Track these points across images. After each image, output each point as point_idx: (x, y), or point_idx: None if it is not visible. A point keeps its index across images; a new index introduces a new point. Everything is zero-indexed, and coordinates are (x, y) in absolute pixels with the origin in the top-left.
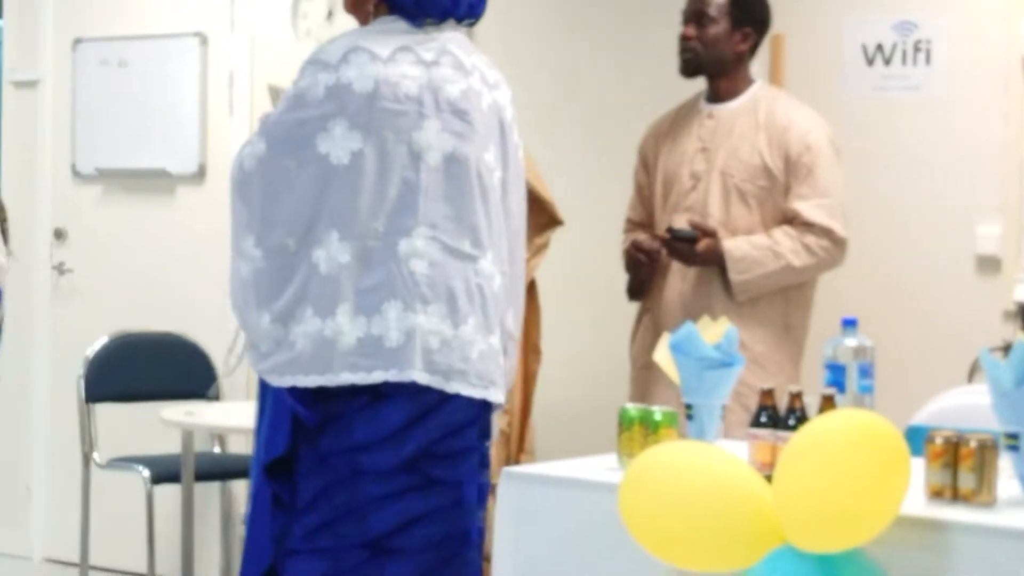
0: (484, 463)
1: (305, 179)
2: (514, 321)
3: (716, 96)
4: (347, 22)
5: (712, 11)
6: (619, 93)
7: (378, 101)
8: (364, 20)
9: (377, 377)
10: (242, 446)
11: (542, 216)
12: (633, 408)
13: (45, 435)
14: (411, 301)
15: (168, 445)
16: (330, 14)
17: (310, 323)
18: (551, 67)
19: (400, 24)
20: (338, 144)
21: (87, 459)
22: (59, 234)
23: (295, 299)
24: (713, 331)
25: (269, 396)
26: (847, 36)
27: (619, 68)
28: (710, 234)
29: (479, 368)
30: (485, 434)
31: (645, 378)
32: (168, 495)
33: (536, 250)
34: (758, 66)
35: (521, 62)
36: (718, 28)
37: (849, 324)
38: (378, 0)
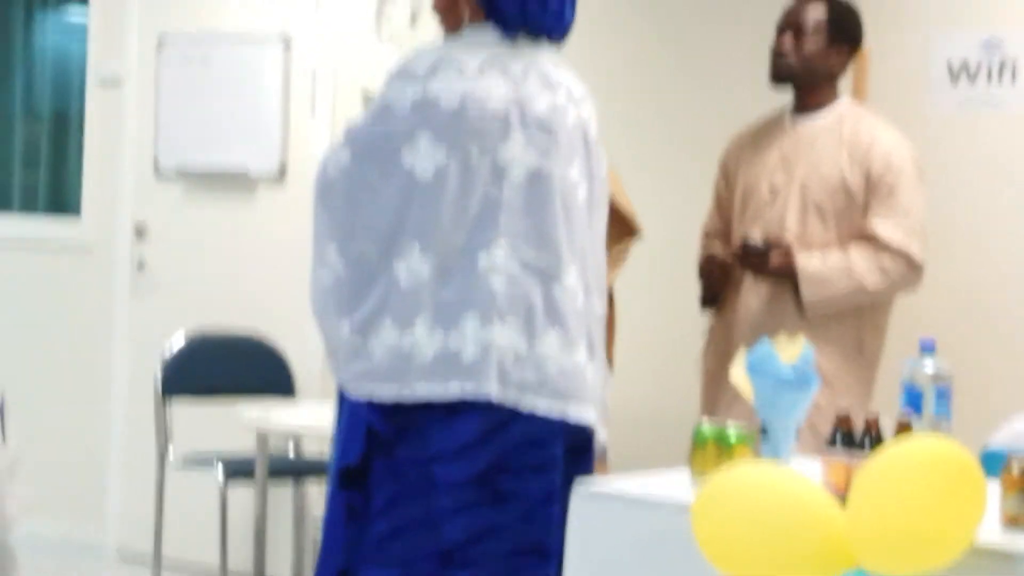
0: (569, 479)
1: (388, 191)
2: (598, 338)
3: (801, 109)
4: (431, 27)
5: (810, 25)
6: (702, 103)
7: (464, 116)
8: (454, 26)
9: (453, 391)
10: (316, 447)
11: (621, 226)
12: (707, 426)
13: (121, 429)
14: (488, 316)
15: (242, 443)
16: (414, 18)
17: (388, 335)
18: (634, 76)
19: (491, 35)
20: (423, 157)
21: (162, 454)
22: (140, 231)
23: (374, 310)
24: (789, 350)
25: (346, 403)
26: (933, 53)
27: (703, 78)
28: (784, 248)
29: (558, 385)
30: (579, 450)
31: (715, 391)
32: (242, 493)
33: (614, 260)
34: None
35: (604, 70)
36: (815, 43)
37: (927, 347)
38: (476, 8)
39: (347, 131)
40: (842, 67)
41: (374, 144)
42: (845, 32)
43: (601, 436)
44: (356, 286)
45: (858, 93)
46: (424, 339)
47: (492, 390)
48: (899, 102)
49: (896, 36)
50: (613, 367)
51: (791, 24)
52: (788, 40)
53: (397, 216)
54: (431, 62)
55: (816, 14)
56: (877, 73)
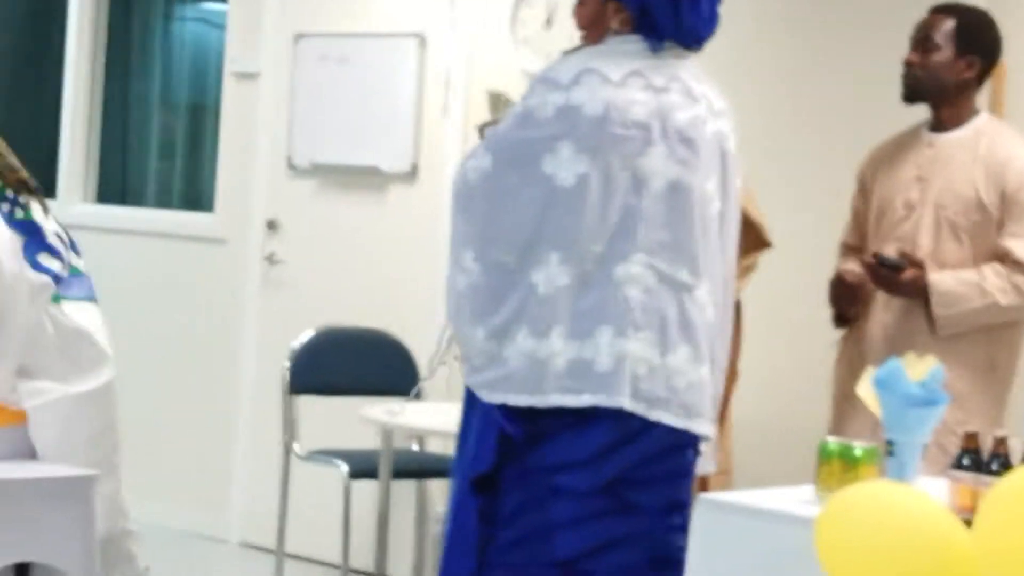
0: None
1: (528, 198)
2: (722, 352)
3: (938, 125)
4: (565, 30)
5: (937, 37)
6: (840, 117)
7: (607, 125)
8: (597, 38)
9: (586, 401)
10: (440, 447)
11: (751, 237)
12: (833, 442)
13: (248, 422)
14: (623, 327)
15: (367, 440)
16: (548, 22)
17: (524, 342)
18: (772, 86)
19: (635, 46)
20: (564, 166)
21: (287, 449)
22: (272, 225)
23: (511, 317)
24: (918, 368)
25: (477, 408)
26: None
27: (842, 92)
28: (917, 265)
29: (685, 398)
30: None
31: (843, 407)
32: (365, 489)
33: (743, 271)
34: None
35: (742, 80)
36: (942, 55)
37: None
38: (626, 18)
39: (489, 137)
40: (975, 80)
41: (515, 150)
42: (975, 43)
43: (710, 451)
44: (492, 292)
45: (995, 108)
46: (559, 348)
47: (624, 401)
48: None
49: None
50: (738, 379)
51: (919, 37)
52: (916, 54)
53: (536, 224)
54: (575, 71)
55: (944, 26)
56: (1013, 87)
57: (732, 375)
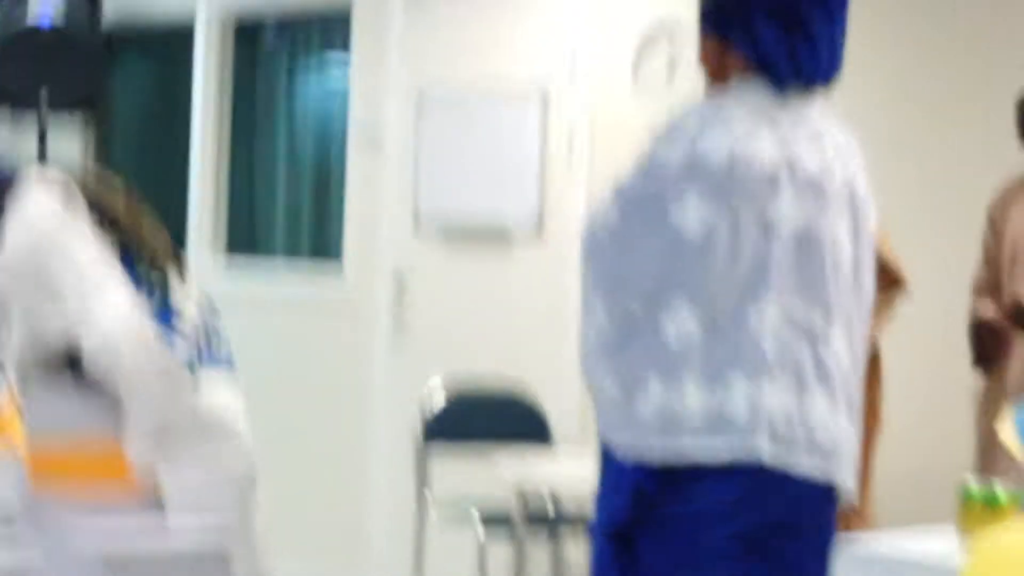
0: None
1: (655, 249)
2: (857, 401)
3: None
4: (689, 79)
5: None
6: (971, 154)
7: (733, 174)
8: (721, 79)
9: (723, 452)
10: (574, 501)
11: (886, 278)
12: (975, 486)
13: (382, 481)
14: (759, 375)
15: (500, 498)
16: (671, 71)
17: (655, 392)
18: (904, 124)
19: (760, 89)
20: (691, 216)
21: (421, 507)
22: (400, 284)
23: (639, 366)
24: None
25: (612, 461)
26: None
27: (972, 128)
28: None
29: (825, 447)
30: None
31: (987, 449)
32: (500, 546)
33: (880, 312)
34: None
35: (871, 116)
36: None
37: None
38: (746, 63)
39: (616, 189)
40: None
41: (642, 202)
42: None
43: (850, 497)
44: (620, 342)
45: None
46: (693, 398)
47: (763, 451)
48: None
49: None
50: (881, 423)
51: None
52: None
53: (663, 273)
54: (699, 119)
55: None
56: None
57: (875, 422)
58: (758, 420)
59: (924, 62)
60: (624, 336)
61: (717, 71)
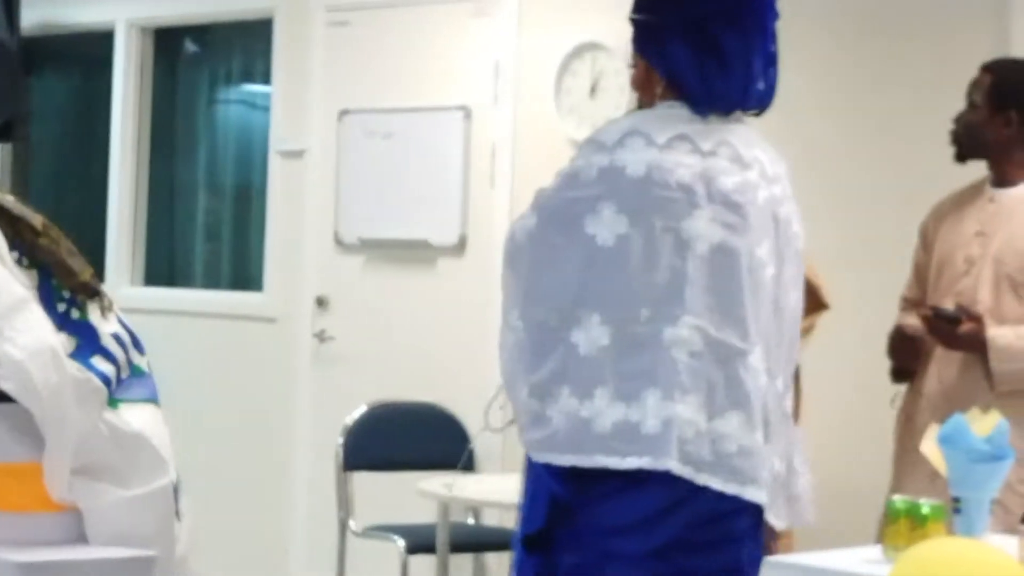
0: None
1: (570, 258)
2: (777, 420)
3: (999, 180)
4: (610, 99)
5: (976, 96)
6: (900, 173)
7: (649, 187)
8: (650, 101)
9: (631, 463)
10: (497, 519)
11: (809, 300)
12: (900, 500)
13: (304, 499)
14: (671, 390)
15: (423, 515)
16: (593, 90)
17: (567, 402)
18: (832, 145)
19: (683, 111)
20: (606, 226)
21: (343, 526)
22: (321, 302)
23: (552, 376)
24: (983, 423)
25: (531, 468)
26: None
27: (902, 148)
28: (975, 319)
29: (736, 463)
30: (757, 527)
31: (903, 462)
32: (423, 565)
33: (801, 333)
34: None
35: (799, 141)
36: (979, 113)
37: None
38: (666, 84)
39: (536, 196)
40: (1019, 135)
41: (559, 210)
42: (1011, 99)
43: (775, 520)
44: (535, 350)
45: None
46: (604, 409)
47: (672, 464)
48: None
49: None
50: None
51: (966, 97)
52: (961, 114)
53: (579, 284)
54: (621, 133)
55: (983, 83)
56: None
57: None
58: (669, 434)
59: (855, 82)
60: (538, 345)
61: (644, 92)
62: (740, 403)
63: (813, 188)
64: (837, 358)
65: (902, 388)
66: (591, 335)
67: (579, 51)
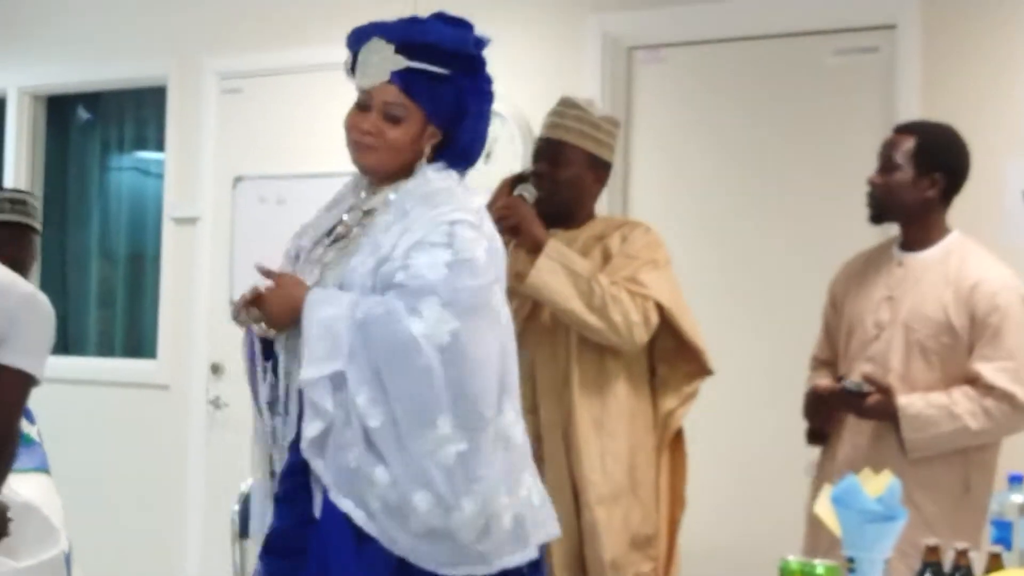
0: None
1: (494, 347)
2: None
3: (908, 244)
4: (505, 164)
5: (898, 157)
6: (807, 234)
7: (503, 266)
8: (415, 158)
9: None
10: None
11: (693, 364)
12: (794, 561)
13: (197, 568)
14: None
15: None
16: (488, 156)
17: (512, 502)
18: (738, 205)
19: (453, 172)
20: (504, 309)
21: None
22: (216, 368)
23: (515, 469)
24: (876, 483)
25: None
26: (1010, 182)
27: (810, 208)
28: (884, 390)
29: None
30: None
31: (815, 526)
32: None
33: (684, 399)
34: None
35: (706, 202)
36: (902, 175)
37: (1016, 480)
38: (436, 146)
39: (431, 294)
40: (940, 198)
41: (474, 300)
42: (936, 161)
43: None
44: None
45: None
46: (508, 504)
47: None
48: (974, 230)
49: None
50: (685, 506)
51: (883, 157)
52: (879, 174)
53: (500, 372)
54: (478, 207)
55: (905, 145)
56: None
57: (680, 503)
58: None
59: (763, 143)
60: (485, 448)
61: (415, 145)
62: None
63: (711, 253)
64: (742, 420)
65: (817, 455)
66: (518, 425)
67: None
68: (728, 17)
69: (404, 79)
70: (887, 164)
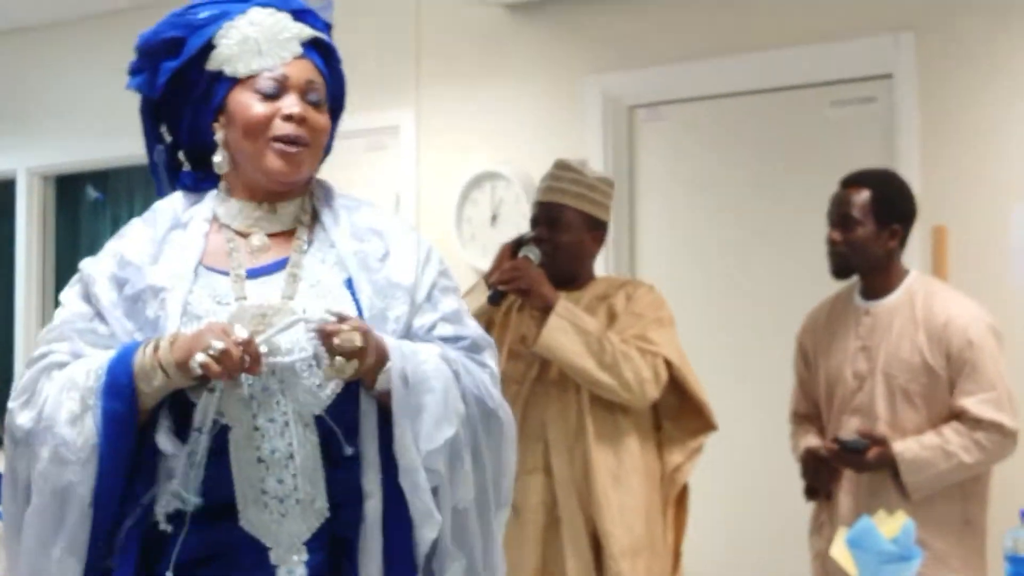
0: None
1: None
2: None
3: (871, 292)
4: (511, 227)
5: (856, 213)
6: (774, 288)
7: None
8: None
9: None
10: None
11: (697, 420)
12: None
13: None
14: None
15: None
16: (494, 219)
17: None
18: (708, 259)
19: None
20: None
21: None
22: None
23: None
24: (890, 525)
25: None
26: (1014, 226)
27: (774, 260)
28: (879, 442)
29: None
30: None
31: (823, 572)
32: None
33: (690, 453)
34: (919, 258)
35: (672, 247)
36: (864, 229)
37: None
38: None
39: (474, 347)
40: (900, 245)
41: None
42: (894, 212)
43: None
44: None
45: (938, 270)
46: None
47: None
48: (980, 277)
49: (974, 210)
50: (680, 564)
51: (839, 214)
52: (838, 231)
53: None
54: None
55: (860, 199)
56: (956, 249)
57: (676, 560)
58: None
59: (727, 197)
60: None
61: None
62: None
63: (695, 298)
64: (743, 478)
65: (815, 506)
66: None
67: (478, 180)
68: (726, 73)
69: (316, 52)
70: (845, 220)
